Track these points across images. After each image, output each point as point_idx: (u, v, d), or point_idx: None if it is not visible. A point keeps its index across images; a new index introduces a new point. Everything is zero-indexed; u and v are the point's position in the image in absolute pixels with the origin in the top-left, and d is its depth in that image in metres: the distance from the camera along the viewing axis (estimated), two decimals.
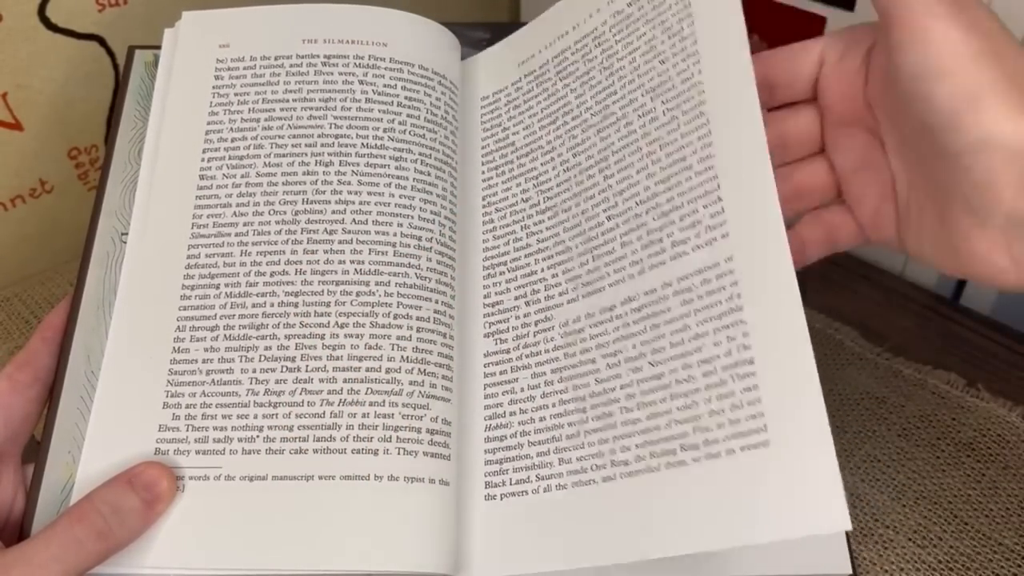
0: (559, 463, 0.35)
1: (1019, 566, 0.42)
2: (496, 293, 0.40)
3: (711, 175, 0.35)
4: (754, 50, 0.58)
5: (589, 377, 0.36)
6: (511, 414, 0.37)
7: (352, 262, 0.38)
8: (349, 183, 0.40)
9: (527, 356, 0.38)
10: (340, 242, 0.38)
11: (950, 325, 0.54)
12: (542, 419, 0.37)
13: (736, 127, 0.35)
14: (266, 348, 0.37)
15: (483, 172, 0.43)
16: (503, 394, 0.38)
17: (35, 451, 0.36)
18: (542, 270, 0.39)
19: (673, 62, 0.38)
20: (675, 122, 0.37)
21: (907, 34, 0.32)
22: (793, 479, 0.29)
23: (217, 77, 0.42)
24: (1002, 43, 0.32)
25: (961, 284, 0.59)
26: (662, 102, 0.38)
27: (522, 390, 0.38)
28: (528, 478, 0.36)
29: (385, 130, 0.41)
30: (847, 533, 0.37)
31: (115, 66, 0.55)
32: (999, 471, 0.46)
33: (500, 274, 0.40)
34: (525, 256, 0.40)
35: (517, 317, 0.39)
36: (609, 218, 0.38)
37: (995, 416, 0.48)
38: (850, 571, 0.36)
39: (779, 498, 0.29)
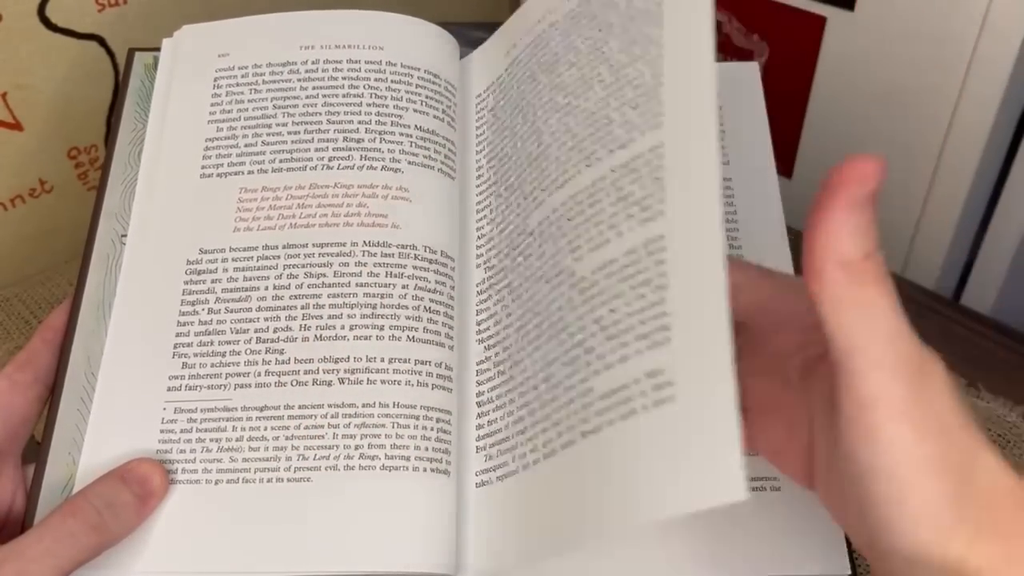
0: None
1: None
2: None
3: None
4: (754, 50, 0.58)
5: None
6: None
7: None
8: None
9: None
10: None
11: (950, 325, 0.54)
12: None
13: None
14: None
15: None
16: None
17: (35, 451, 0.36)
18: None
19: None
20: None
21: (854, 422, 0.27)
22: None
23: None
24: (960, 447, 0.27)
25: (961, 284, 0.59)
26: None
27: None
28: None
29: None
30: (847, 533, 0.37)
31: (115, 66, 0.55)
32: None
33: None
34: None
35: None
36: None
37: (995, 416, 0.48)
38: (849, 571, 0.36)
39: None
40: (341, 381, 0.36)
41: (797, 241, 0.40)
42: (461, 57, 0.46)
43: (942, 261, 0.57)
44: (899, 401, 0.27)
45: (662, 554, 0.36)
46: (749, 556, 0.36)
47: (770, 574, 0.36)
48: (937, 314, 0.55)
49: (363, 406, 0.36)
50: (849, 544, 0.36)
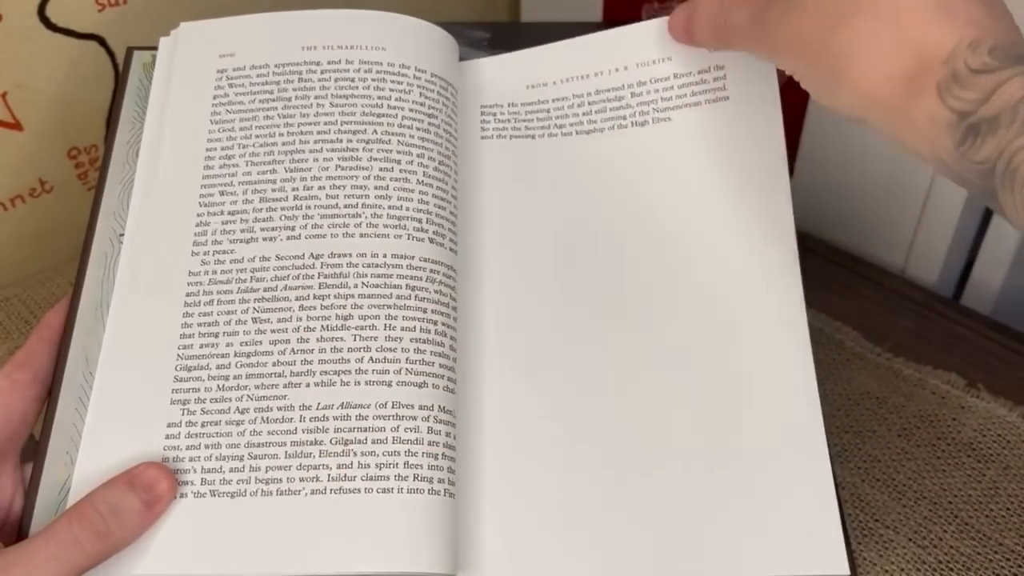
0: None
1: (1020, 567, 0.42)
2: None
3: None
4: None
5: None
6: None
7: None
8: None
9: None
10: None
11: (950, 325, 0.54)
12: None
13: None
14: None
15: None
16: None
17: (34, 450, 0.36)
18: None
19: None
20: None
21: None
22: None
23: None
24: None
25: (961, 284, 0.59)
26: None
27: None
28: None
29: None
30: (847, 533, 0.37)
31: (115, 66, 0.55)
32: (999, 471, 0.46)
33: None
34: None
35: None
36: None
37: (995, 416, 0.48)
38: (849, 571, 0.36)
39: None
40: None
41: (798, 241, 0.40)
42: (461, 57, 0.46)
43: (942, 261, 0.57)
44: None
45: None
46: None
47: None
48: (937, 314, 0.55)
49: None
50: (849, 544, 0.36)
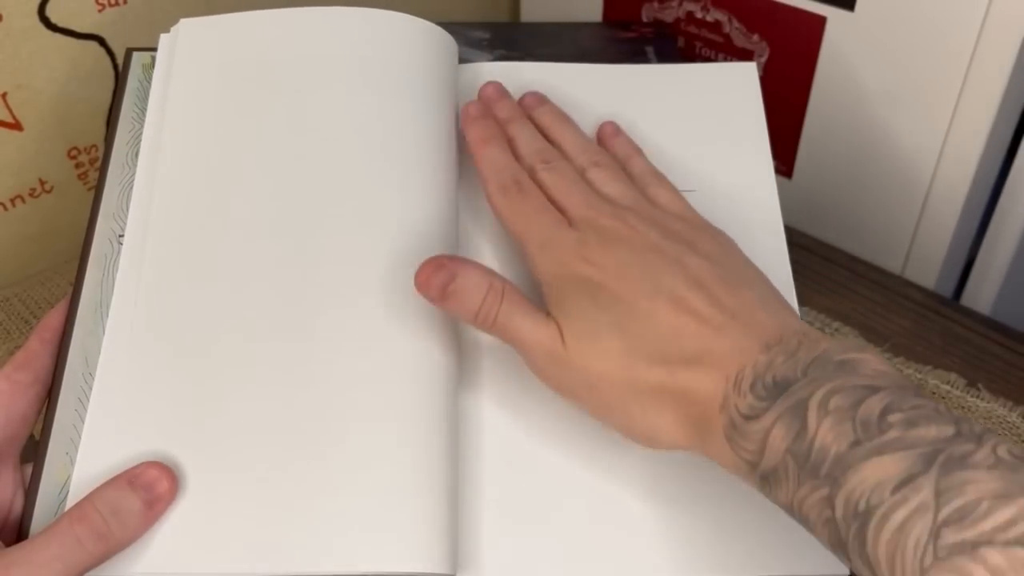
0: None
1: None
2: None
3: None
4: (754, 50, 0.58)
5: None
6: None
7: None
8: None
9: None
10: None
11: (950, 325, 0.54)
12: None
13: None
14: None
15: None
16: None
17: (34, 451, 0.36)
18: None
19: None
20: None
21: None
22: None
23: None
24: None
25: (961, 284, 0.59)
26: None
27: None
28: None
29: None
30: None
31: (115, 66, 0.55)
32: None
33: None
34: None
35: None
36: None
37: (995, 416, 0.48)
38: (849, 571, 0.36)
39: None
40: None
41: (796, 241, 0.40)
42: (461, 57, 0.46)
43: (942, 261, 0.57)
44: None
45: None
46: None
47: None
48: (937, 314, 0.55)
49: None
50: None
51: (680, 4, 0.61)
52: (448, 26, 0.46)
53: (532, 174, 0.40)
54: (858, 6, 0.52)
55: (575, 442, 0.38)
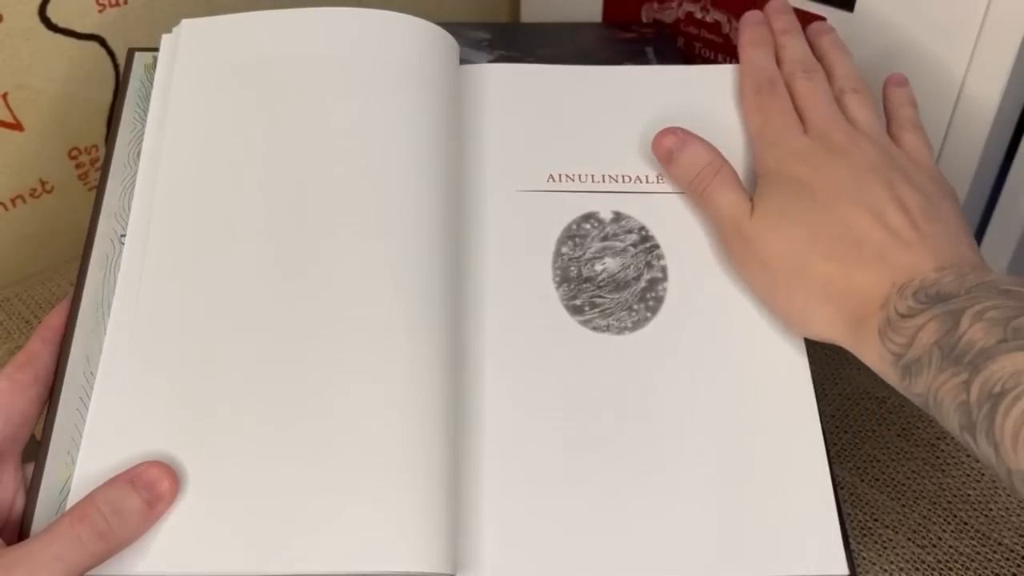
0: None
1: (1019, 566, 0.42)
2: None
3: None
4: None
5: None
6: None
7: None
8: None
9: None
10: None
11: None
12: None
13: None
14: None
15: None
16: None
17: (35, 450, 0.36)
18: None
19: None
20: None
21: None
22: None
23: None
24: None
25: None
26: None
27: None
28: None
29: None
30: (846, 532, 0.37)
31: (115, 66, 0.55)
32: None
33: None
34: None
35: None
36: None
37: None
38: (848, 571, 0.36)
39: None
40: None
41: None
42: (461, 57, 0.46)
43: None
44: None
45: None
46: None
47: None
48: None
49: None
50: (848, 543, 0.37)
51: (680, 5, 0.61)
52: (448, 26, 0.46)
53: (790, 80, 0.43)
54: (858, 6, 0.52)
55: (575, 442, 0.38)
